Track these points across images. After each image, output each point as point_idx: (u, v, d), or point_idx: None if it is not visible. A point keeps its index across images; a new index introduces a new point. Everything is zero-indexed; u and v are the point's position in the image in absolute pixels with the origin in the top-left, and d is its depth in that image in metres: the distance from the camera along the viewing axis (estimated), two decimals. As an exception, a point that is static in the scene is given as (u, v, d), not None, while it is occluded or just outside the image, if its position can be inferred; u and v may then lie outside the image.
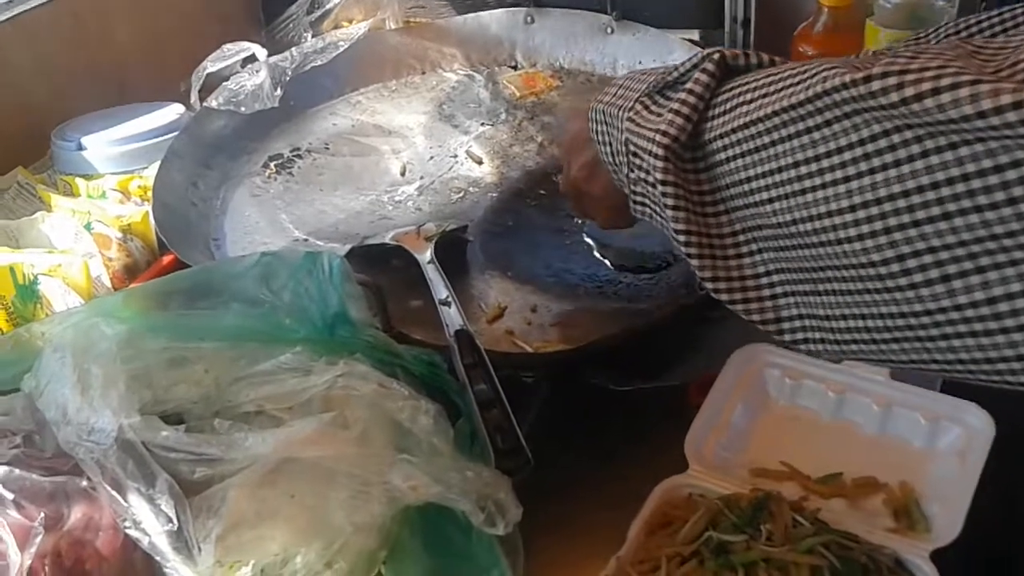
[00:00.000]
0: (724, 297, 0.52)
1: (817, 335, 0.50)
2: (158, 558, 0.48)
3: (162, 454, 0.50)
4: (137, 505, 0.48)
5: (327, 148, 1.00)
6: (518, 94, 1.06)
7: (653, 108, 0.54)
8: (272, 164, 0.98)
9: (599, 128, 0.60)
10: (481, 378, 0.63)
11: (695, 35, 1.05)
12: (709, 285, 0.52)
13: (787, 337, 0.52)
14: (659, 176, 0.51)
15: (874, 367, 0.70)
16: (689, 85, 0.52)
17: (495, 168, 0.96)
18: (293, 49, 1.05)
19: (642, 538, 0.61)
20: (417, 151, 0.99)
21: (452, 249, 0.81)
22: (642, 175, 0.54)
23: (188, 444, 0.49)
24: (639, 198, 0.57)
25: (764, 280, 0.51)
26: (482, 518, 0.50)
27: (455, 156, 0.98)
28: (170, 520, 0.47)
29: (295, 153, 1.00)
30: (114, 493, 0.48)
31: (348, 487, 0.49)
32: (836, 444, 0.69)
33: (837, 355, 0.50)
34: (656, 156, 0.51)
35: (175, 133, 0.96)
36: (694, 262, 0.52)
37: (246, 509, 0.48)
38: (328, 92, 1.07)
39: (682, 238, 0.52)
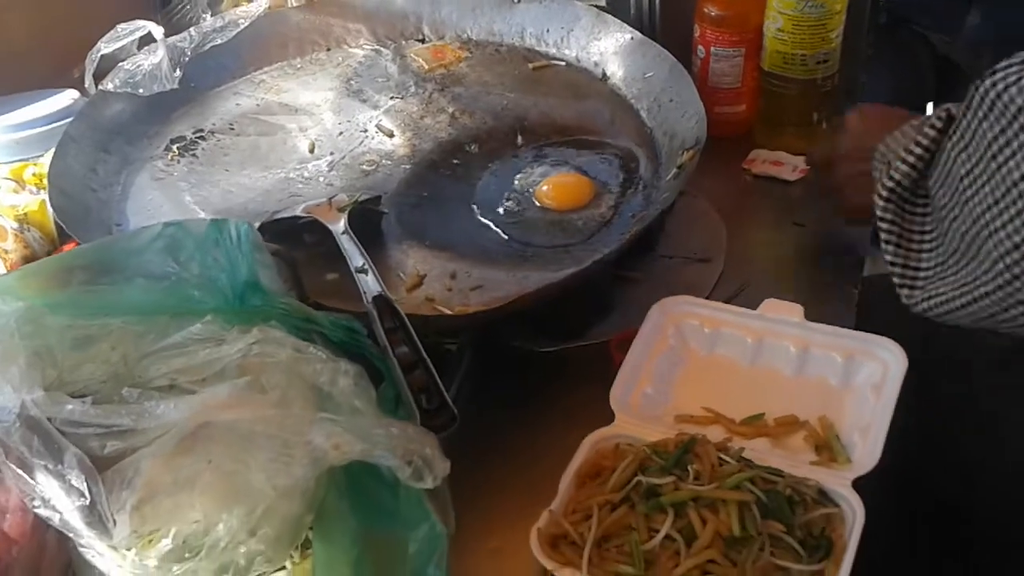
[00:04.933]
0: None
1: None
2: (71, 535, 0.46)
3: (70, 431, 0.48)
4: (45, 483, 0.46)
5: (232, 128, 0.98)
6: (427, 67, 1.05)
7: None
8: (175, 147, 0.95)
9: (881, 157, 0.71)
10: (402, 341, 0.62)
11: (601, 1, 1.05)
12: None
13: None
14: (879, 212, 0.65)
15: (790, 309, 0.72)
16: (918, 137, 0.64)
17: (407, 140, 0.95)
18: (192, 29, 1.02)
19: (573, 490, 0.62)
20: (325, 127, 0.97)
21: (367, 222, 0.80)
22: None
23: (96, 416, 0.47)
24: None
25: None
26: (409, 473, 0.49)
27: (365, 131, 0.96)
28: (82, 495, 0.45)
29: (198, 135, 0.97)
30: (20, 472, 0.46)
31: (268, 449, 0.48)
32: (757, 388, 0.70)
33: None
34: (879, 195, 0.65)
35: (70, 119, 0.92)
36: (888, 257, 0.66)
37: (162, 478, 0.46)
38: (230, 72, 1.04)
39: (889, 257, 0.65)
